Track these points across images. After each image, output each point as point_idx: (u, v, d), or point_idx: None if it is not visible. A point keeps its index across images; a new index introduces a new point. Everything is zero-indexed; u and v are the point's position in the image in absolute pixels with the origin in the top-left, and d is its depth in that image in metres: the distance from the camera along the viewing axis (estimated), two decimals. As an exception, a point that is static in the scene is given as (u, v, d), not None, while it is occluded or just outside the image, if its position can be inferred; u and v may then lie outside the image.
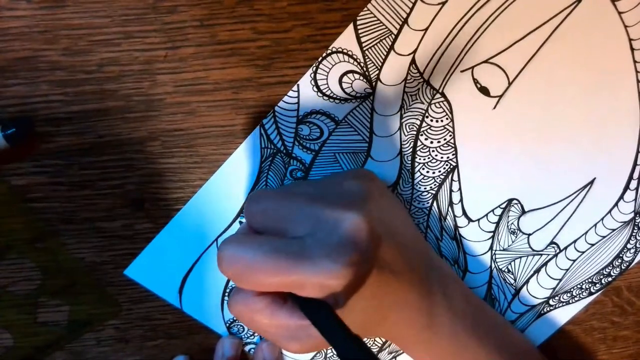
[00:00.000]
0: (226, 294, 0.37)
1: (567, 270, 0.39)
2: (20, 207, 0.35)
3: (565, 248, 0.39)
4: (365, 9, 0.33)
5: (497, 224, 0.38)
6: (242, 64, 0.33)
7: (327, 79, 0.34)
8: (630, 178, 0.38)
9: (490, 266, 0.39)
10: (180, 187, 0.35)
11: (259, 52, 0.33)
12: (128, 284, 0.37)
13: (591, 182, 0.37)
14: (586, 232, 0.38)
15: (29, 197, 0.35)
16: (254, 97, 0.34)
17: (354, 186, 0.32)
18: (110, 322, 0.38)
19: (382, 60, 0.34)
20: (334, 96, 0.34)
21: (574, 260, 0.39)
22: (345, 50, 0.33)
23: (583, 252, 0.39)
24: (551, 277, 0.39)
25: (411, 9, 0.33)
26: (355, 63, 0.34)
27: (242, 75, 0.34)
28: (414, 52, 0.34)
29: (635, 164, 0.37)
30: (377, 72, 0.34)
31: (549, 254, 0.39)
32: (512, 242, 0.38)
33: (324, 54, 0.33)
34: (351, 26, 0.33)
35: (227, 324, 0.38)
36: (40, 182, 0.35)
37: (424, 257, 0.35)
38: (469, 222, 0.38)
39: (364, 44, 0.33)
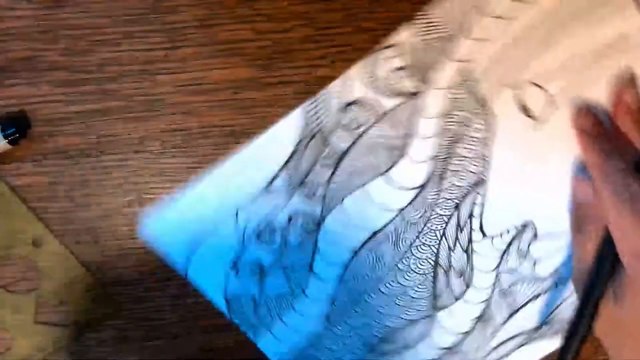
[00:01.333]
0: (233, 267, 0.37)
1: (565, 299, 0.39)
2: (20, 208, 0.35)
3: (568, 278, 0.39)
4: (428, 8, 0.33)
5: (510, 244, 0.38)
6: (242, 64, 0.33)
7: (377, 72, 0.34)
8: None
9: (494, 284, 0.39)
10: (180, 187, 0.35)
11: (259, 52, 0.33)
12: (128, 284, 0.37)
13: None
14: None
15: (29, 197, 0.35)
16: (254, 97, 0.34)
17: None
18: (110, 322, 0.38)
19: (434, 63, 0.34)
20: (382, 90, 0.34)
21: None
22: (400, 46, 0.33)
23: None
24: (548, 305, 0.39)
25: (474, 20, 0.33)
26: (408, 61, 0.34)
27: (242, 75, 0.34)
28: (469, 60, 0.34)
29: None
30: (428, 73, 0.34)
31: (551, 283, 0.39)
32: (520, 265, 0.38)
33: (379, 47, 0.33)
34: (410, 24, 0.33)
35: (227, 298, 0.38)
36: (41, 182, 0.35)
37: None
38: (483, 237, 0.38)
39: (420, 44, 0.33)
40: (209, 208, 0.36)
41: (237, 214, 0.36)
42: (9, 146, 0.32)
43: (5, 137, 0.32)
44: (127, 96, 0.33)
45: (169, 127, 0.34)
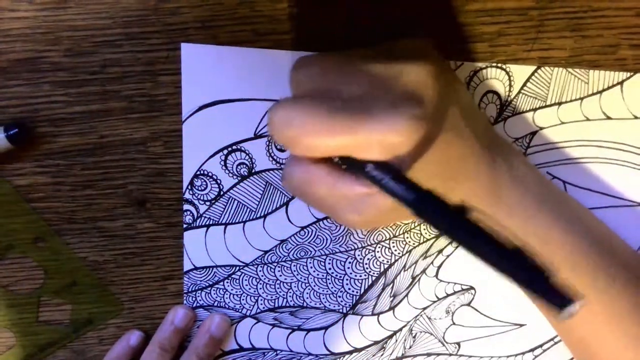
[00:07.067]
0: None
1: None
2: (23, 207, 0.35)
3: None
4: (556, 68, 0.34)
5: (446, 297, 0.38)
6: (243, 65, 0.34)
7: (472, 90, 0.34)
8: None
9: (410, 321, 0.38)
10: (182, 187, 0.36)
11: (259, 53, 0.33)
12: (130, 283, 0.37)
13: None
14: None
15: (31, 197, 0.35)
16: (254, 97, 0.34)
17: (411, 43, 0.30)
18: (112, 321, 0.38)
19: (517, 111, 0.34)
20: None
21: None
22: (504, 70, 0.34)
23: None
24: None
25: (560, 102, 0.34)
26: (503, 92, 0.34)
27: (243, 76, 0.34)
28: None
29: None
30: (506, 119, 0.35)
31: (448, 352, 0.39)
32: (439, 319, 0.38)
33: (485, 65, 0.34)
34: (531, 67, 0.34)
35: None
36: (43, 182, 0.35)
37: (488, 128, 0.33)
38: (435, 275, 0.38)
39: (522, 88, 0.34)
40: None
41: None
42: (11, 146, 0.32)
43: (8, 137, 0.32)
44: (129, 97, 0.34)
45: (170, 128, 0.34)
